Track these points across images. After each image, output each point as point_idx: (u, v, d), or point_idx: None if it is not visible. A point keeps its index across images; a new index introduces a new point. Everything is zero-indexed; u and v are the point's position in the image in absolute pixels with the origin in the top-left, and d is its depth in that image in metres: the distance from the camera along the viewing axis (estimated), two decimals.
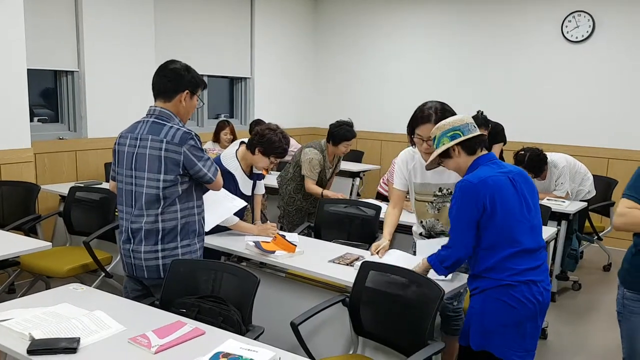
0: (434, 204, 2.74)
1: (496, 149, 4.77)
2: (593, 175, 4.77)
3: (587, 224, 4.83)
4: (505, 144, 4.77)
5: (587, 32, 5.78)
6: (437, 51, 6.75)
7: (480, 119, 4.42)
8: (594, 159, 5.64)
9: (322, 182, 4.29)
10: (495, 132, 4.65)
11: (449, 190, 2.69)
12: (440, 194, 2.72)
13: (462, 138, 2.28)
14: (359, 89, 7.46)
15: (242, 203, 3.05)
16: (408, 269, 2.44)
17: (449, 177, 2.67)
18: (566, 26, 5.89)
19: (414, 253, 2.86)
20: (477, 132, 2.32)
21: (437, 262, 2.36)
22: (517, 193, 2.24)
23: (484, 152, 2.35)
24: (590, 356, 3.54)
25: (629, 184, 2.16)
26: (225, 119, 5.92)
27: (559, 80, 5.95)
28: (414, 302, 2.30)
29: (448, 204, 2.63)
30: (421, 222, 2.82)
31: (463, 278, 2.62)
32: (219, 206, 2.92)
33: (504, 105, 6.08)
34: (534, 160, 4.33)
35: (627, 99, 5.63)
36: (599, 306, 4.09)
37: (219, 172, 2.58)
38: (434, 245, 2.51)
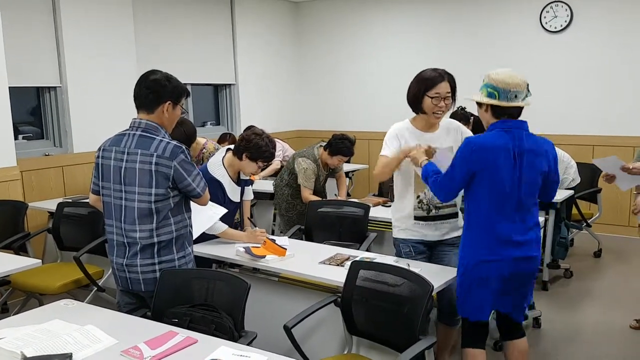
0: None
1: None
2: (578, 163, 4.82)
3: (575, 211, 4.87)
4: None
5: (566, 22, 5.85)
6: (418, 47, 6.80)
7: (459, 115, 4.48)
8: (579, 146, 5.70)
9: (318, 189, 4.31)
10: (477, 126, 4.69)
11: None
12: (436, 147, 2.75)
13: (492, 102, 2.35)
14: (344, 89, 7.48)
15: (222, 210, 3.04)
16: (397, 266, 2.46)
17: (444, 141, 2.79)
18: (544, 17, 5.96)
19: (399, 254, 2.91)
20: (516, 103, 2.33)
21: (428, 173, 2.53)
22: (514, 168, 2.32)
23: (508, 118, 2.38)
24: (585, 343, 3.57)
25: None
26: (228, 132, 5.85)
27: (539, 70, 6.01)
28: (404, 299, 2.31)
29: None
30: (418, 197, 2.80)
31: (452, 272, 2.64)
32: (200, 215, 2.90)
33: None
34: None
35: (606, 87, 5.71)
36: (592, 293, 4.13)
37: (207, 188, 2.56)
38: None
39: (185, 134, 3.88)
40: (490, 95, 2.35)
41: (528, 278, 2.49)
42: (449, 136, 2.82)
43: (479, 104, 2.43)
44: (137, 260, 2.45)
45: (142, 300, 2.56)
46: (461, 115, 4.25)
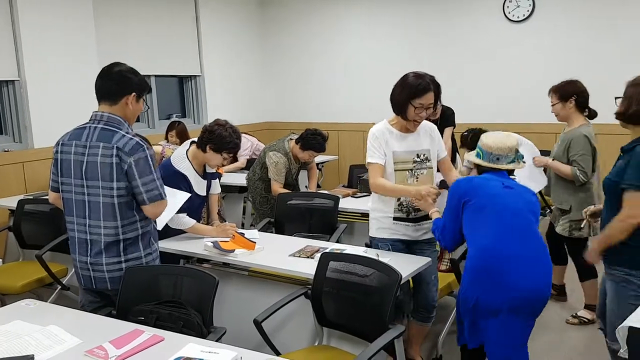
0: (413, 171, 2.80)
1: (447, 132, 4.84)
2: (542, 151, 4.90)
3: (539, 198, 4.97)
4: (454, 127, 4.86)
5: (528, 11, 5.94)
6: (385, 39, 6.80)
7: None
8: (542, 135, 5.80)
9: (290, 182, 4.28)
10: (445, 116, 4.73)
11: (425, 156, 2.83)
12: (418, 159, 2.81)
13: (476, 161, 2.54)
14: (313, 80, 7.45)
15: (184, 195, 2.94)
16: (366, 257, 2.47)
17: (423, 143, 2.83)
18: (507, 6, 6.04)
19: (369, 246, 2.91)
20: (497, 165, 2.47)
21: (436, 227, 2.64)
22: (507, 196, 2.39)
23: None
24: (549, 332, 3.65)
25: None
26: (176, 120, 5.72)
27: (504, 59, 6.09)
28: (373, 289, 2.32)
29: (425, 171, 2.81)
30: (399, 199, 2.79)
31: (421, 261, 2.66)
32: None
33: (450, 87, 6.14)
34: (475, 141, 4.45)
35: (569, 75, 5.78)
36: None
37: (161, 204, 2.38)
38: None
39: None
40: (477, 155, 2.55)
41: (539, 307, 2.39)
42: (426, 137, 2.86)
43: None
44: (102, 259, 2.38)
45: (106, 299, 2.49)
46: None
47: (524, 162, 2.52)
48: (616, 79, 3.04)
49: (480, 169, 2.55)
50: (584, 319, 3.64)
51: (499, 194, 2.40)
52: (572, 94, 3.55)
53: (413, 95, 2.66)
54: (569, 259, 3.82)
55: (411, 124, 2.76)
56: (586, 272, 3.61)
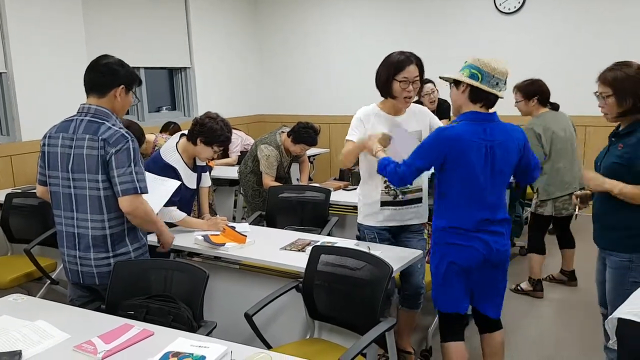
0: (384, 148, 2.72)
1: (443, 124, 4.87)
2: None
3: (529, 190, 5.00)
4: (450, 120, 4.86)
5: (519, 3, 5.95)
6: (378, 30, 6.79)
7: (416, 103, 4.55)
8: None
9: (282, 175, 4.26)
10: (442, 109, 4.76)
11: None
12: (390, 135, 2.70)
13: (474, 83, 2.28)
14: (305, 73, 7.42)
15: (174, 183, 2.90)
16: (357, 250, 2.46)
17: (412, 125, 2.77)
18: None
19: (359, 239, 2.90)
20: (496, 91, 2.28)
21: (385, 164, 2.44)
22: (485, 162, 2.31)
23: (484, 109, 2.34)
24: (541, 318, 3.69)
25: None
26: (171, 121, 5.58)
27: (495, 51, 6.03)
28: (364, 282, 2.32)
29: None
30: (385, 181, 2.74)
31: (412, 254, 2.66)
32: (153, 194, 2.72)
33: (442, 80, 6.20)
34: None
35: (558, 68, 5.84)
36: (547, 269, 4.25)
37: (136, 199, 2.30)
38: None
39: None
40: (472, 76, 2.28)
41: (499, 268, 2.47)
42: (416, 119, 2.82)
43: (457, 84, 2.36)
44: (90, 254, 2.37)
45: (95, 293, 2.47)
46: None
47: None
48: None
49: (473, 95, 2.30)
50: (519, 288, 4.06)
51: (479, 170, 2.31)
52: (535, 94, 3.82)
53: (396, 70, 2.64)
54: (575, 242, 4.11)
55: (401, 101, 2.70)
56: (532, 248, 3.99)
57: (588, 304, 3.61)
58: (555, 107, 3.88)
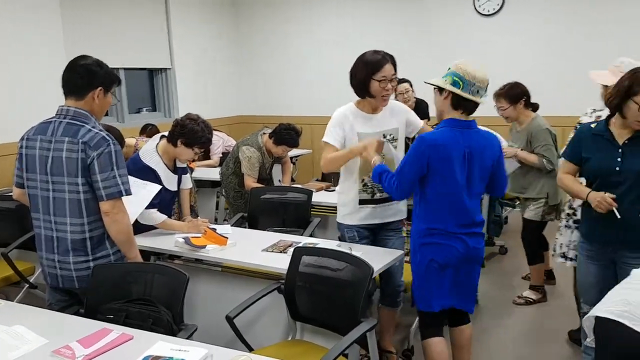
0: (380, 153, 2.75)
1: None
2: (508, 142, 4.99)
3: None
4: (429, 120, 4.89)
5: (498, 5, 6.03)
6: (358, 32, 6.81)
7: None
8: (509, 127, 5.90)
9: (264, 177, 4.26)
10: (420, 108, 4.78)
11: (392, 136, 2.78)
12: (385, 139, 2.75)
13: (456, 91, 2.34)
14: (286, 74, 7.41)
15: (155, 187, 2.89)
16: (338, 251, 2.47)
17: (390, 123, 2.78)
18: (478, 0, 6.11)
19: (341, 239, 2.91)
20: (476, 98, 2.36)
21: (379, 173, 2.51)
22: (463, 167, 2.36)
23: (464, 115, 2.40)
24: (520, 317, 3.74)
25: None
26: (150, 123, 5.53)
27: (475, 53, 6.14)
28: (346, 282, 2.33)
29: (392, 151, 2.74)
30: (363, 180, 2.78)
31: (393, 254, 2.68)
32: (132, 197, 2.73)
33: (421, 80, 6.24)
34: None
35: (538, 69, 5.92)
36: (526, 268, 4.29)
37: (119, 204, 2.29)
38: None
39: None
40: (454, 83, 2.35)
41: (476, 265, 2.54)
42: (394, 117, 2.83)
43: (440, 90, 2.42)
44: (69, 258, 2.34)
45: (74, 297, 2.44)
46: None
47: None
48: (583, 72, 3.12)
49: (455, 102, 2.37)
50: (530, 299, 3.89)
51: (459, 175, 2.36)
52: (521, 96, 3.74)
53: (373, 69, 2.65)
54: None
55: (380, 100, 2.71)
56: (536, 257, 3.90)
57: (565, 306, 3.68)
58: (535, 107, 3.87)
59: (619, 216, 2.33)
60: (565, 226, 3.17)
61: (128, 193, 2.32)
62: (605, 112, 2.89)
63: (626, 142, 2.38)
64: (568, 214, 3.15)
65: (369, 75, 2.66)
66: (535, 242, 3.89)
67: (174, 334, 2.02)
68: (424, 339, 2.55)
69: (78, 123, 2.29)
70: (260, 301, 2.49)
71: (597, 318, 1.69)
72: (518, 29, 5.99)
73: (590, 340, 1.75)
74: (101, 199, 2.27)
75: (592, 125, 2.51)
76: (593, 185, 2.46)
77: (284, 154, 4.29)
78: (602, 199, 2.35)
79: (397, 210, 2.87)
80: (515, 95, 3.73)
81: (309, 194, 3.75)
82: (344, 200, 2.88)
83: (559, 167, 2.69)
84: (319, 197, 3.91)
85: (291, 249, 2.60)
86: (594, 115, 2.97)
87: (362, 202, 2.81)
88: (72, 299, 2.45)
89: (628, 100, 2.28)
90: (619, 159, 2.39)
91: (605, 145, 2.42)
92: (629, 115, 2.31)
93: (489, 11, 6.09)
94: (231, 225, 3.43)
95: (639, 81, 2.25)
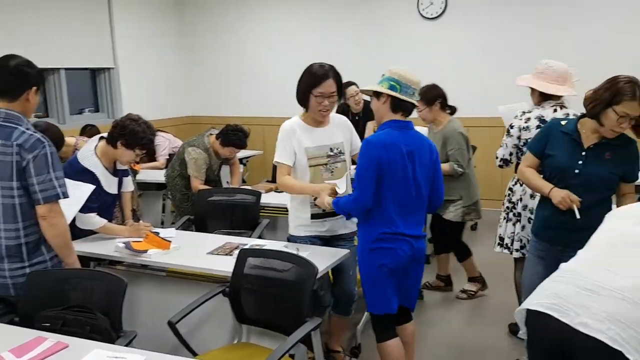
0: (328, 166, 2.77)
1: (369, 126, 4.96)
2: None
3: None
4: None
5: (441, 8, 6.18)
6: (305, 33, 6.84)
7: (341, 106, 4.63)
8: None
9: (212, 178, 4.20)
10: (368, 110, 4.83)
11: (339, 149, 2.79)
12: (332, 153, 2.77)
13: (394, 94, 2.40)
14: (236, 73, 7.35)
15: (89, 187, 2.80)
16: (284, 252, 2.47)
17: (336, 136, 2.79)
18: (422, 3, 6.25)
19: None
20: (412, 100, 2.44)
21: (338, 204, 2.52)
22: (406, 166, 2.39)
23: (403, 117, 2.46)
24: (462, 311, 3.85)
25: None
26: (90, 124, 5.31)
27: (419, 56, 6.28)
28: (291, 283, 2.33)
29: (339, 164, 2.78)
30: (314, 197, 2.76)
31: (338, 253, 2.70)
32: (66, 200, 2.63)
33: (365, 83, 6.29)
34: None
35: (478, 72, 6.12)
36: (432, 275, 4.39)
37: (56, 208, 2.25)
38: None
39: (51, 140, 3.57)
40: (392, 87, 2.41)
41: (420, 267, 2.60)
42: (340, 130, 2.84)
43: (377, 96, 2.47)
44: (4, 265, 2.26)
45: (10, 305, 2.34)
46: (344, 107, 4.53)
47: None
48: (520, 76, 3.24)
49: (394, 105, 2.43)
50: (471, 292, 4.03)
51: (404, 174, 2.41)
52: (436, 98, 3.80)
53: (313, 84, 2.66)
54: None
55: (317, 114, 2.72)
56: (465, 252, 4.01)
57: (506, 300, 3.80)
58: (453, 110, 3.91)
59: (578, 216, 2.36)
60: (505, 219, 3.27)
61: (65, 196, 2.27)
62: (535, 114, 3.03)
63: (591, 146, 2.45)
64: (507, 207, 3.25)
65: (308, 88, 2.67)
66: (459, 241, 4.01)
67: (112, 341, 1.97)
68: (380, 342, 2.56)
69: (11, 125, 2.23)
70: (206, 305, 2.46)
71: (528, 311, 1.76)
72: (462, 32, 6.16)
73: (522, 333, 1.82)
74: (38, 202, 2.21)
75: (562, 123, 2.56)
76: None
77: (231, 156, 4.24)
78: (567, 196, 2.40)
79: (350, 221, 2.87)
80: (431, 97, 3.78)
81: (258, 195, 3.73)
82: (295, 215, 2.86)
83: (522, 159, 2.72)
84: (268, 198, 3.89)
85: (237, 251, 2.57)
86: (524, 117, 3.06)
87: (314, 216, 2.80)
88: (7, 307, 2.35)
89: (608, 108, 2.32)
90: (580, 162, 2.45)
91: (571, 145, 2.48)
92: (606, 124, 2.36)
93: (432, 15, 6.23)
94: (177, 229, 3.37)
95: (623, 92, 2.28)
